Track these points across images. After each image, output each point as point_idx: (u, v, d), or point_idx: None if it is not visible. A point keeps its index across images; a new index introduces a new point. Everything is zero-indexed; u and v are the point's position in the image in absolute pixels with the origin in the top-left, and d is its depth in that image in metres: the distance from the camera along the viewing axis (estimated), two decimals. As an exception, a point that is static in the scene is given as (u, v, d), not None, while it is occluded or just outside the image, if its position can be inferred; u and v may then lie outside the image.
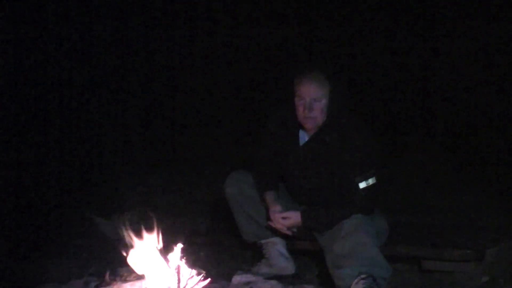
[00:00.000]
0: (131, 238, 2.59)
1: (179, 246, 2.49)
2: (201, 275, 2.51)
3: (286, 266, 3.22)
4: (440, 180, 4.59)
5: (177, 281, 2.44)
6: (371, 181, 2.94)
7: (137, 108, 5.90)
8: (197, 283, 2.49)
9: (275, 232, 3.17)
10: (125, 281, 2.68)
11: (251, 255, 3.47)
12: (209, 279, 2.54)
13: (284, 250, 3.23)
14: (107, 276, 2.72)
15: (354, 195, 2.94)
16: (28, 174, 4.94)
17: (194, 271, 2.52)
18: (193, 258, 2.59)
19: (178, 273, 2.44)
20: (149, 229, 2.61)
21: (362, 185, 2.93)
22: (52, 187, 4.68)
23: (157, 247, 2.56)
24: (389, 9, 5.48)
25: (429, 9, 5.39)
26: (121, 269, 2.85)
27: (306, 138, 3.11)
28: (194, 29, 6.01)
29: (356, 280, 2.77)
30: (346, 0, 5.60)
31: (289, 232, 3.09)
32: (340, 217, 2.91)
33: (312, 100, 2.98)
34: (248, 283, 2.89)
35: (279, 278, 3.05)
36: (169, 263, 2.48)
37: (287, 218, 3.04)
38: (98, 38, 5.92)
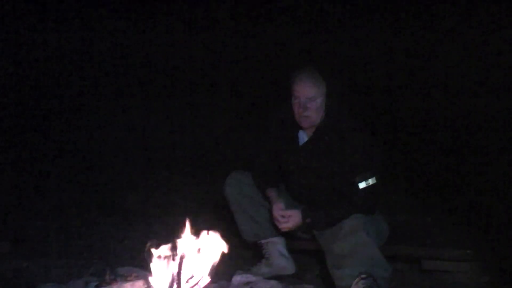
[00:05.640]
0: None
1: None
2: (201, 275, 2.51)
3: (286, 266, 3.21)
4: (439, 180, 4.59)
5: (177, 281, 2.44)
6: (371, 181, 2.94)
7: (137, 108, 5.91)
8: (197, 283, 2.49)
9: (277, 230, 3.16)
10: (125, 281, 2.67)
11: (251, 255, 3.46)
12: (209, 279, 2.54)
13: (284, 250, 3.23)
14: (107, 276, 2.71)
15: (354, 195, 2.93)
16: (28, 174, 4.94)
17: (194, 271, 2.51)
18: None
19: (179, 273, 2.44)
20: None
21: (362, 185, 2.93)
22: (52, 187, 4.69)
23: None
24: (389, 9, 5.48)
25: (429, 10, 5.39)
26: (121, 269, 2.85)
27: (306, 138, 3.11)
28: (194, 30, 6.02)
29: (356, 280, 2.77)
30: (346, 1, 5.61)
31: (287, 229, 3.07)
32: (340, 217, 2.91)
33: (307, 99, 2.97)
34: (248, 283, 2.88)
35: (279, 278, 3.05)
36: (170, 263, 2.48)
37: (288, 217, 3.03)
38: (98, 38, 5.93)
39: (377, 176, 2.96)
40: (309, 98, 2.97)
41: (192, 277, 2.48)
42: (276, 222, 3.07)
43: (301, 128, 3.11)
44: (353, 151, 2.96)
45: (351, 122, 3.04)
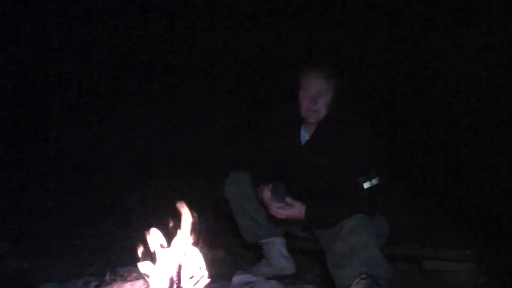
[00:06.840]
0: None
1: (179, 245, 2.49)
2: (201, 275, 2.51)
3: (286, 266, 3.21)
4: (439, 180, 4.60)
5: (176, 281, 2.44)
6: (374, 181, 2.94)
7: (137, 108, 5.91)
8: (197, 283, 2.49)
9: (277, 228, 3.15)
10: (125, 281, 2.67)
11: (251, 255, 3.47)
12: (209, 279, 2.54)
13: (284, 250, 3.23)
14: (107, 276, 2.71)
15: (357, 196, 2.93)
16: (28, 174, 4.95)
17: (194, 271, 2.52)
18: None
19: (179, 273, 2.44)
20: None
21: (366, 185, 2.93)
22: (52, 187, 4.69)
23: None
24: (389, 9, 5.49)
25: (429, 9, 5.39)
26: (121, 269, 2.85)
27: (307, 137, 3.11)
28: (194, 29, 6.02)
29: (356, 280, 2.77)
30: (346, 0, 5.61)
31: (284, 216, 3.03)
32: (343, 216, 2.90)
33: (318, 93, 3.00)
34: (248, 283, 2.88)
35: (279, 278, 3.05)
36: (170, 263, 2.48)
37: (290, 207, 3.01)
38: (99, 38, 5.93)
39: (379, 176, 2.97)
40: (320, 92, 2.99)
41: (192, 277, 2.48)
42: (272, 209, 3.04)
43: (303, 126, 3.11)
44: (355, 151, 2.96)
45: (353, 122, 3.04)
